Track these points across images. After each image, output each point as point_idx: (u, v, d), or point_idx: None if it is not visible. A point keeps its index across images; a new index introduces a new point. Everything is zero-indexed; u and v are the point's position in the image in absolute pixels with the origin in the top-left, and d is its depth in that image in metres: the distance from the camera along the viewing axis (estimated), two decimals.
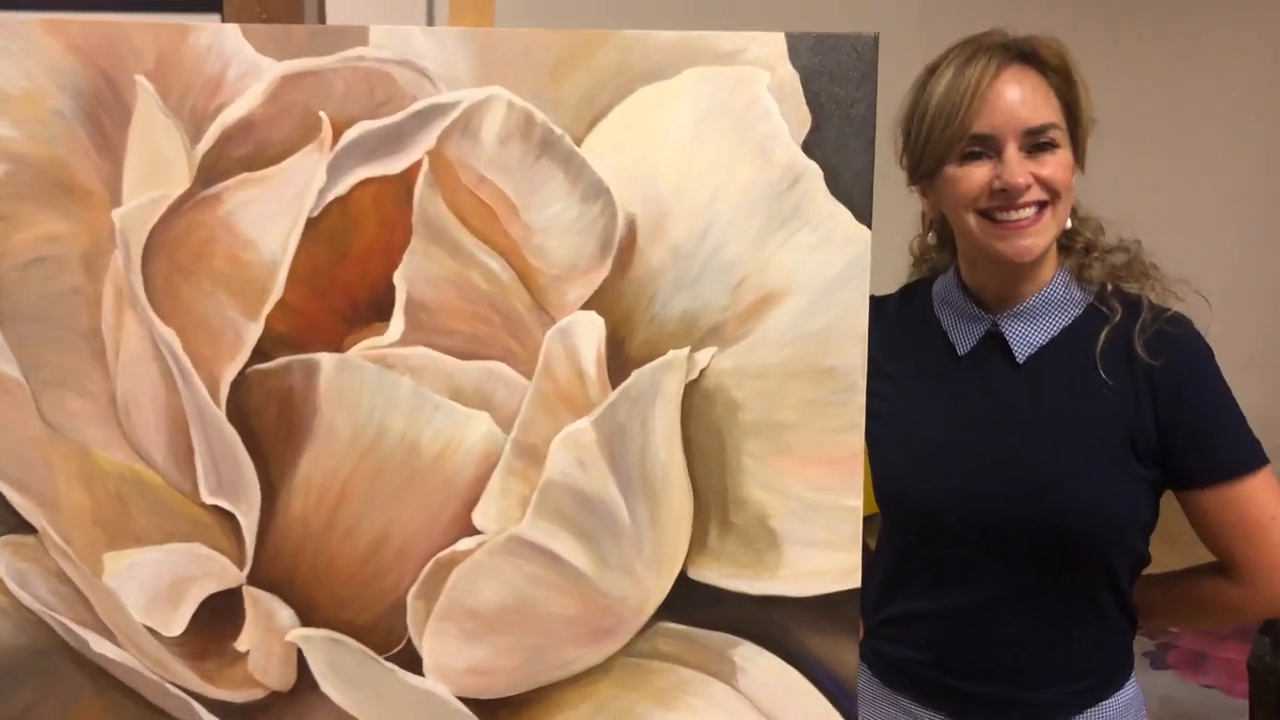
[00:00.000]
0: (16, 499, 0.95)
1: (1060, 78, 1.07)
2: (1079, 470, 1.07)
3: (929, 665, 1.16)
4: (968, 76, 1.04)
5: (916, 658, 1.16)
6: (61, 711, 0.96)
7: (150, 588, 0.95)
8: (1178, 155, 4.22)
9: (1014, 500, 1.07)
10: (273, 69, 0.92)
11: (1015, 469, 1.08)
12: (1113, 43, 3.99)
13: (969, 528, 1.09)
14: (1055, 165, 1.04)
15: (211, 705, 0.95)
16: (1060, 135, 1.06)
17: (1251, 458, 1.09)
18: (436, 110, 0.91)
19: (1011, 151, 1.03)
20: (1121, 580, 1.12)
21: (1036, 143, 1.04)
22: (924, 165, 1.08)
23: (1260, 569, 1.10)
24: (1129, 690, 1.18)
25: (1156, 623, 1.21)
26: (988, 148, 1.04)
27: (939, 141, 1.05)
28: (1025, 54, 1.07)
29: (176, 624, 0.95)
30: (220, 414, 0.93)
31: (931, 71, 1.08)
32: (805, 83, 0.91)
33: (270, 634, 0.94)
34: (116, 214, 0.93)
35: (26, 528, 0.95)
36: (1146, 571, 1.16)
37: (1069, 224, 1.10)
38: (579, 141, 0.92)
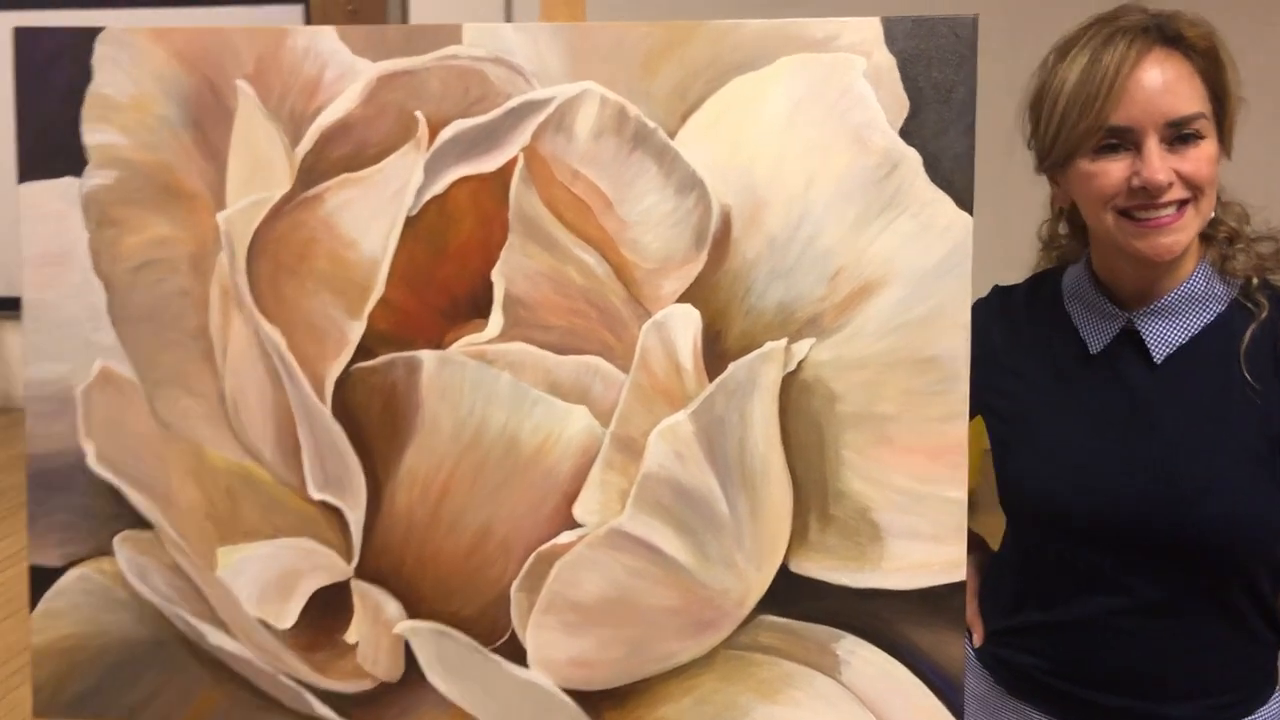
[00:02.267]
0: (134, 495, 0.98)
1: (1207, 61, 0.97)
2: (1221, 478, 0.99)
3: (1058, 675, 1.09)
4: (1105, 62, 0.95)
5: (1045, 667, 1.10)
6: (184, 700, 0.99)
7: (261, 581, 0.97)
8: None
9: (1151, 508, 1.00)
10: (369, 70, 0.93)
11: (1152, 476, 1.01)
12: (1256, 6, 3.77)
13: (1103, 536, 1.03)
14: (1199, 160, 0.95)
15: (323, 695, 0.98)
16: (1206, 125, 0.96)
17: None
18: (530, 107, 0.92)
19: (1152, 145, 0.94)
20: (1265, 590, 1.05)
21: (1179, 134, 0.96)
22: (1055, 155, 1.00)
23: None
24: (1275, 707, 1.09)
25: None
26: (1125, 140, 0.96)
27: (1072, 132, 0.96)
28: (1169, 36, 0.97)
29: (288, 616, 0.97)
30: (326, 411, 0.95)
31: (1064, 54, 0.99)
32: (902, 67, 0.89)
33: (378, 626, 0.96)
34: (221, 216, 0.95)
35: (144, 523, 0.98)
36: None
37: (1212, 213, 1.03)
38: (672, 134, 0.91)
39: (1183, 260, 1.03)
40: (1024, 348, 1.12)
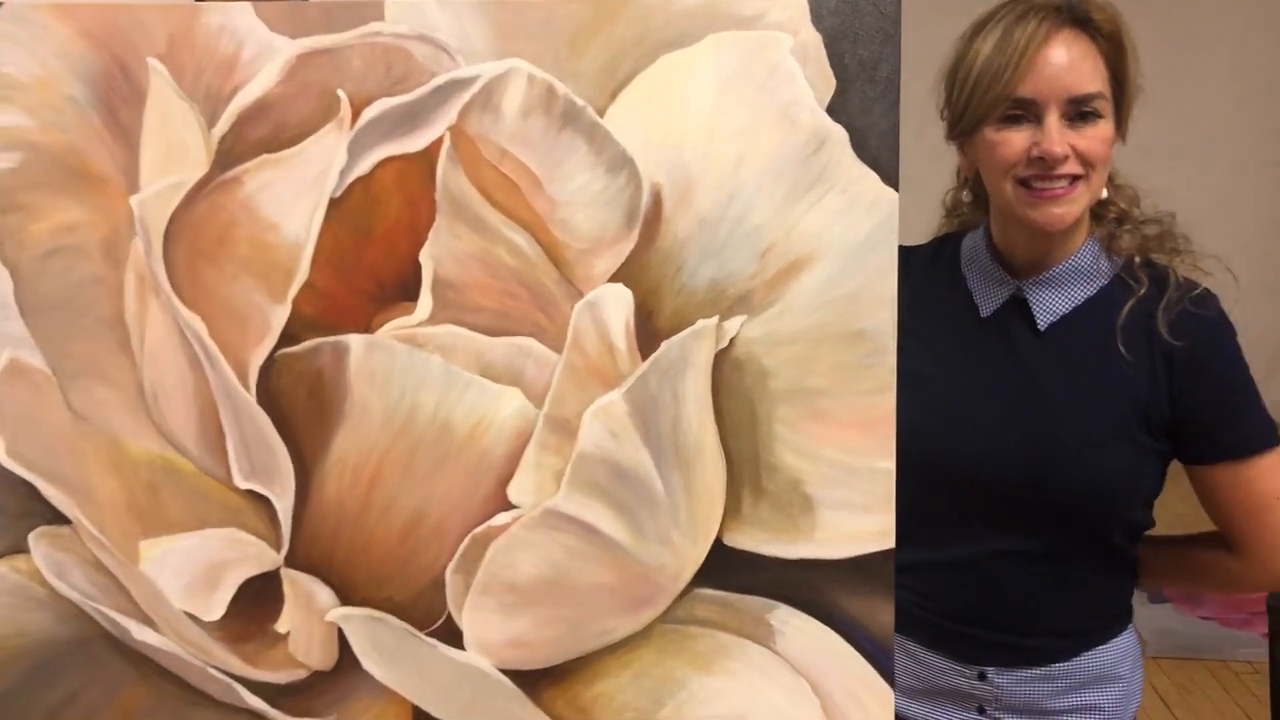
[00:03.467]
0: (49, 491, 0.95)
1: (1111, 45, 1.04)
2: (1088, 441, 1.07)
3: (931, 611, 1.18)
4: (1016, 38, 1.01)
5: (923, 604, 1.18)
6: (107, 697, 0.97)
7: (187, 574, 0.95)
8: (1217, 127, 4.15)
9: (1027, 464, 1.08)
10: (288, 48, 0.91)
11: (1025, 435, 1.09)
12: (1157, 6, 3.88)
13: (983, 486, 1.11)
14: (1094, 138, 1.02)
15: (254, 686, 0.96)
16: (1104, 105, 1.03)
17: (1264, 437, 1.10)
18: (456, 85, 0.90)
19: (1053, 119, 1.01)
20: (1120, 541, 1.13)
21: (1079, 111, 1.02)
22: (964, 123, 1.05)
23: (1262, 546, 1.12)
24: (1125, 639, 1.20)
25: (1156, 583, 1.23)
26: (1029, 112, 1.02)
27: (981, 101, 1.02)
28: (1078, 18, 1.03)
29: (215, 608, 0.95)
30: (250, 398, 0.92)
31: (979, 28, 1.05)
32: (829, 45, 0.90)
33: (310, 614, 0.95)
34: (135, 200, 0.92)
35: (61, 519, 0.95)
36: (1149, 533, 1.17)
37: (1104, 193, 1.08)
38: (601, 112, 0.91)
39: (1073, 235, 1.09)
40: (921, 307, 1.17)
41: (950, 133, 1.10)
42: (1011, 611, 1.15)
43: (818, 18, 0.90)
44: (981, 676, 1.16)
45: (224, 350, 0.92)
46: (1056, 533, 1.11)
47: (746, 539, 0.95)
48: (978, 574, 1.15)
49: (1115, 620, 1.20)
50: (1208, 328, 1.07)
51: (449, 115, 0.91)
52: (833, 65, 0.90)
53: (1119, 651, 1.19)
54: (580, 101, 0.90)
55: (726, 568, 0.95)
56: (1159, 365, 1.07)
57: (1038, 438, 1.08)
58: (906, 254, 1.22)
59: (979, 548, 1.14)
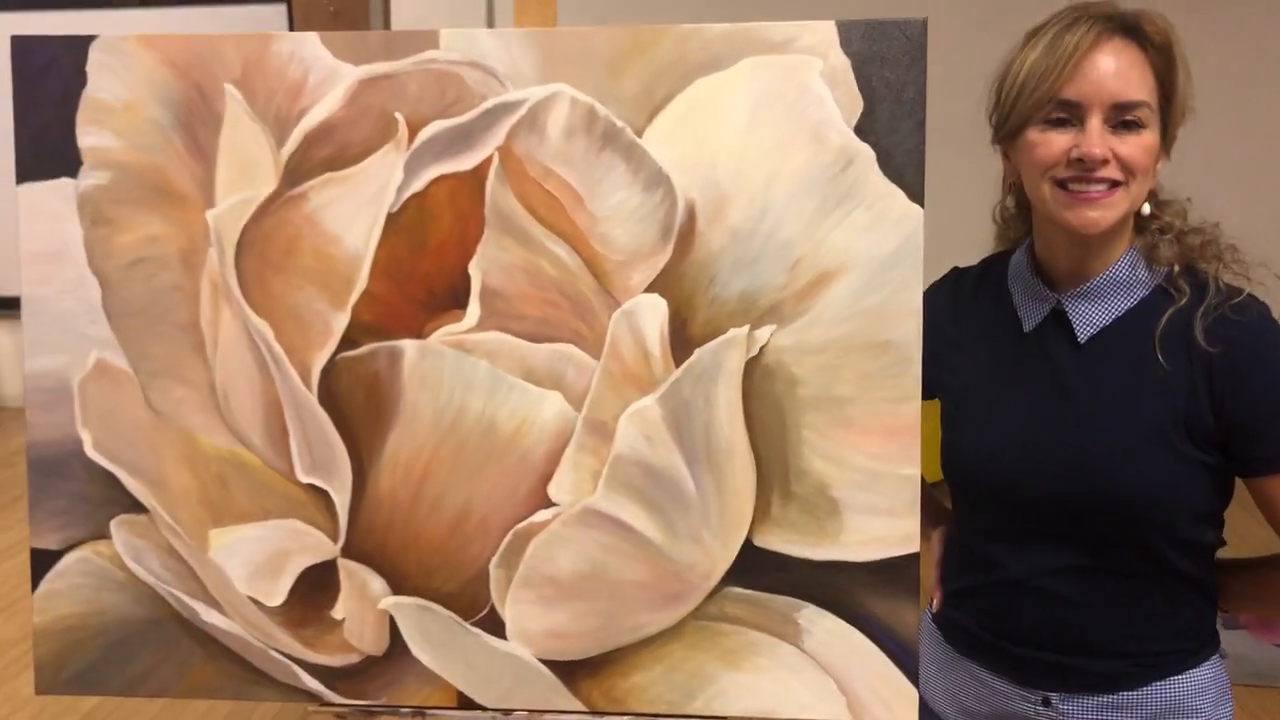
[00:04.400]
0: (129, 481, 1.03)
1: (1161, 57, 1.05)
2: (1126, 453, 1.06)
3: (992, 633, 1.17)
4: (1066, 42, 1.02)
5: (983, 625, 1.18)
6: (178, 675, 1.04)
7: (252, 562, 1.02)
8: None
9: (1063, 478, 1.08)
10: (350, 74, 0.98)
11: (1066, 448, 1.08)
12: (1211, 25, 3.85)
13: (1027, 501, 1.10)
14: (1136, 146, 1.02)
15: (311, 669, 1.03)
16: (1149, 115, 1.03)
17: None
18: (504, 108, 0.97)
19: (1095, 122, 1.01)
20: (1179, 560, 1.09)
21: (1122, 119, 1.01)
22: (1009, 125, 1.06)
23: None
24: (1206, 671, 1.15)
25: (1235, 607, 1.18)
26: (1073, 115, 1.02)
27: (1027, 102, 1.03)
28: (1128, 27, 1.04)
29: (277, 595, 1.02)
30: (312, 399, 0.99)
31: (1032, 35, 1.07)
32: (857, 68, 0.95)
33: (364, 602, 1.01)
34: (210, 215, 1.00)
35: (139, 507, 1.03)
36: (1222, 554, 1.14)
37: (1147, 209, 1.08)
38: (639, 132, 0.96)
39: (1113, 245, 1.09)
40: (970, 325, 1.18)
41: (995, 136, 1.10)
42: (1069, 628, 1.13)
43: (846, 43, 0.94)
44: (1045, 702, 1.14)
45: (289, 353, 0.99)
46: (1104, 546, 1.09)
47: (776, 540, 0.99)
48: (1032, 591, 1.13)
49: (1191, 649, 1.15)
50: (1248, 333, 1.05)
51: (498, 136, 0.97)
52: (860, 87, 0.95)
53: (1197, 684, 1.14)
54: (620, 122, 0.96)
55: (756, 568, 0.99)
56: (1198, 373, 1.05)
57: (1077, 451, 1.08)
58: (959, 275, 1.25)
59: (1032, 565, 1.12)
